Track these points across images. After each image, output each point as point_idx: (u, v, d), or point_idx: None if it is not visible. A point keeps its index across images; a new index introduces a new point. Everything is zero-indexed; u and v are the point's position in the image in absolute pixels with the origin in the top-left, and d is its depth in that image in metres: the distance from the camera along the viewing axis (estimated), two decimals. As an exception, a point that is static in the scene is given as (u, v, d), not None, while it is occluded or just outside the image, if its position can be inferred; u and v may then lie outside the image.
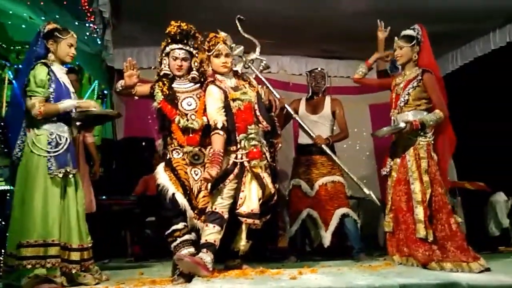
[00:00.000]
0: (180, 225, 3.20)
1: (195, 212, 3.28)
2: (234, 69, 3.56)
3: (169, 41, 3.45)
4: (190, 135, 3.34)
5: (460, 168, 5.60)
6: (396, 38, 3.62)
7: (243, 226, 3.30)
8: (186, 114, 3.36)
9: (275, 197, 3.40)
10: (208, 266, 3.06)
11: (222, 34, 3.47)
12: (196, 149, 3.35)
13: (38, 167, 3.08)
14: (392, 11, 4.89)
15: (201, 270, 3.00)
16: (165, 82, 3.43)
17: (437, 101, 3.48)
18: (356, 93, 6.44)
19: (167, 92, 3.38)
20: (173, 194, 3.21)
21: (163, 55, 3.47)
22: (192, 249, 3.16)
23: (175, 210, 3.21)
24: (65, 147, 3.17)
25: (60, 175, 3.09)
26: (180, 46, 3.43)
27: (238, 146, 3.30)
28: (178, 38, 3.43)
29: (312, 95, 4.60)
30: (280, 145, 3.64)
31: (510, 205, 5.64)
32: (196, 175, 3.35)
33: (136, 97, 3.55)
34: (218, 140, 3.23)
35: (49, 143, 3.12)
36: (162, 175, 3.30)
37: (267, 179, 3.33)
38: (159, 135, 3.52)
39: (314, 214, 4.32)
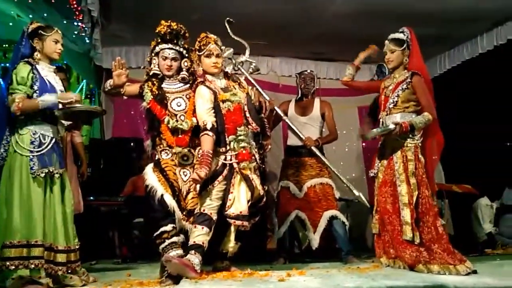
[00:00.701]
0: (169, 227, 3.17)
1: (184, 213, 3.26)
2: (225, 70, 3.55)
3: (159, 40, 3.42)
4: (179, 135, 3.32)
5: (447, 170, 5.65)
6: (386, 42, 3.61)
7: (232, 228, 3.30)
8: (176, 115, 3.34)
9: (264, 199, 3.40)
10: (196, 267, 3.05)
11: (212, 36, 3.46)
12: (185, 150, 3.33)
13: (21, 166, 3.04)
14: (381, 13, 4.93)
15: (189, 271, 2.99)
16: (155, 82, 3.40)
17: (426, 103, 3.50)
18: (345, 95, 6.45)
19: (157, 92, 3.35)
20: (162, 195, 3.19)
21: (153, 54, 3.44)
22: (180, 251, 3.13)
23: (164, 211, 3.18)
24: (49, 147, 3.13)
25: (42, 175, 3.05)
26: (170, 46, 3.40)
27: (228, 148, 3.29)
28: (168, 37, 3.40)
29: (301, 97, 4.61)
30: (269, 146, 3.63)
31: (495, 209, 5.71)
32: (185, 176, 3.33)
33: (125, 97, 3.53)
34: (207, 141, 3.22)
35: (32, 143, 3.09)
36: (150, 176, 3.27)
37: (256, 181, 3.32)
38: (148, 136, 3.50)
39: (303, 216, 4.32)
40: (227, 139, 3.30)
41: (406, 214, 3.32)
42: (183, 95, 3.41)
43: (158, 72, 3.42)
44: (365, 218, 5.44)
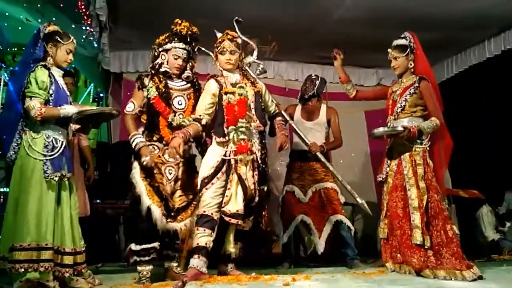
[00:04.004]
0: (156, 244, 3.29)
1: (172, 213, 3.31)
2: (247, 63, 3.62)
3: (175, 39, 3.46)
4: None
5: (454, 176, 5.62)
6: (389, 50, 3.62)
7: (230, 227, 3.33)
8: (175, 112, 3.42)
9: (256, 199, 3.37)
10: (202, 270, 3.12)
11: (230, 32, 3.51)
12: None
13: (34, 170, 3.05)
14: (387, 18, 4.93)
15: (200, 276, 3.09)
16: (162, 79, 3.45)
17: (433, 108, 3.51)
18: (352, 99, 6.45)
19: (163, 90, 3.41)
20: (149, 207, 3.24)
21: (161, 50, 3.48)
22: (150, 267, 3.31)
23: (150, 223, 3.24)
24: (60, 151, 3.15)
25: (56, 179, 3.07)
26: (184, 46, 3.47)
27: (227, 138, 3.32)
28: (187, 39, 3.47)
29: (306, 101, 4.53)
30: (287, 145, 3.58)
31: (501, 214, 5.67)
32: (170, 174, 3.38)
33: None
34: (194, 127, 3.32)
35: (45, 147, 3.09)
36: (139, 183, 3.29)
37: (250, 180, 3.30)
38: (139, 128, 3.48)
39: (308, 220, 4.32)
40: (226, 130, 3.33)
41: (416, 218, 3.32)
42: (184, 94, 3.50)
43: (169, 70, 3.47)
44: (370, 223, 5.41)
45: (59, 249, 3.07)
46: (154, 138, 3.38)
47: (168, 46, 3.45)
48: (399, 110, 3.56)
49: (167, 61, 3.47)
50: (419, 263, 3.26)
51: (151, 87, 3.40)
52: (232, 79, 3.47)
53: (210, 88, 3.42)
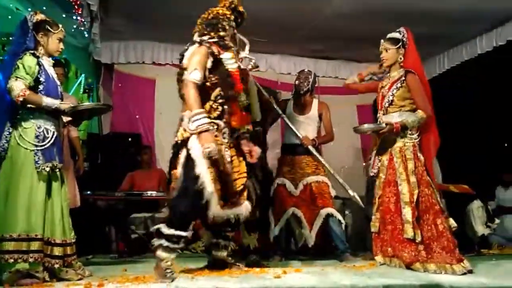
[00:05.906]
0: (189, 233, 2.93)
1: (234, 198, 3.04)
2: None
3: (237, 18, 3.24)
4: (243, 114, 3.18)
5: (445, 171, 5.66)
6: (382, 40, 3.63)
7: None
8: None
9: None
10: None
11: None
12: (226, 129, 3.09)
13: (25, 160, 3.03)
14: (379, 12, 4.93)
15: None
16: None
17: (420, 101, 3.50)
18: (344, 93, 6.43)
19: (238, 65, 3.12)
20: (211, 193, 2.86)
21: (228, 24, 3.15)
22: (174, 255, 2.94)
23: (200, 211, 2.90)
24: (52, 141, 3.12)
25: (47, 169, 3.04)
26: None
27: None
28: (240, 24, 3.28)
29: (298, 96, 4.54)
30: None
31: (488, 210, 5.72)
32: (228, 156, 3.08)
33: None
34: None
35: (36, 137, 3.07)
36: (201, 165, 2.85)
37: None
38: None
39: (299, 214, 4.32)
40: None
41: (407, 213, 3.33)
42: None
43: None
44: (361, 216, 5.42)
45: (49, 240, 3.06)
46: (215, 114, 3.01)
47: (233, 23, 3.20)
48: (387, 105, 3.57)
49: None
50: (410, 257, 3.28)
51: (230, 58, 3.05)
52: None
53: None
